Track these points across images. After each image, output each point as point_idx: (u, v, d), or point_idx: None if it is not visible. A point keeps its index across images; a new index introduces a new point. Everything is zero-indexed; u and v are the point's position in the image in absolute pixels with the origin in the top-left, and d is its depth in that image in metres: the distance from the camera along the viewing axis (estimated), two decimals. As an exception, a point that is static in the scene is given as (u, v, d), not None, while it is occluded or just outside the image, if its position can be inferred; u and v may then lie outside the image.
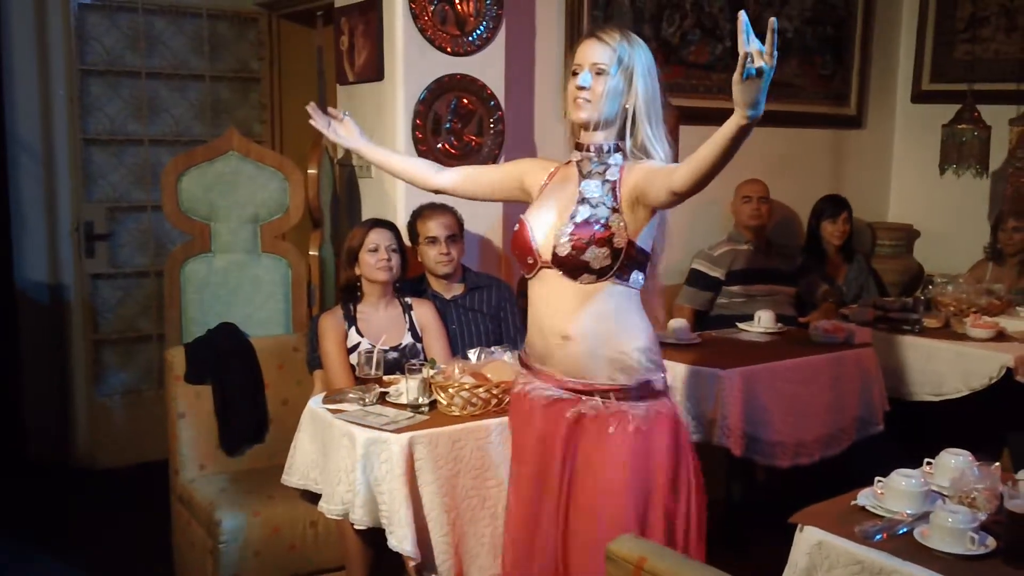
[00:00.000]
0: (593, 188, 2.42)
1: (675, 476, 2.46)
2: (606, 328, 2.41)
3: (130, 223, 5.15)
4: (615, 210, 2.38)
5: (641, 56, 2.41)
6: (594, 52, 2.41)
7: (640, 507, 2.40)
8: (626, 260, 2.38)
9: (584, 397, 2.41)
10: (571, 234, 2.37)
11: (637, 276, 2.43)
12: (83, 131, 4.96)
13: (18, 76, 4.79)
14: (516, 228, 2.51)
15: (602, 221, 2.37)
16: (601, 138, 2.44)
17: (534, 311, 2.51)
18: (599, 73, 2.38)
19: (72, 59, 4.87)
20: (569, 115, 2.47)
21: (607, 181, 2.42)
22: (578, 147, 2.49)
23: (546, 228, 2.44)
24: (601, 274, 2.38)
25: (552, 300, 2.44)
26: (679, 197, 2.25)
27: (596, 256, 2.36)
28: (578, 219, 2.39)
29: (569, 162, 2.53)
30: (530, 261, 2.47)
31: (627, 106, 2.41)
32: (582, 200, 2.41)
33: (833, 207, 4.99)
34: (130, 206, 5.14)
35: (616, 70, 2.38)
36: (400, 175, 2.91)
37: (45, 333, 4.95)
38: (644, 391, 2.43)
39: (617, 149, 2.44)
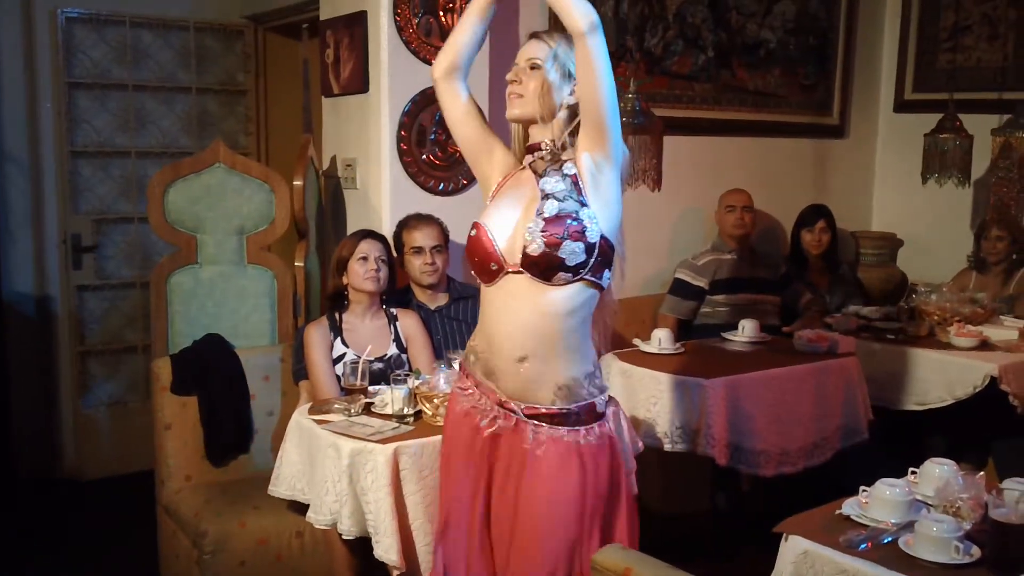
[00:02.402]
0: (554, 183, 2.30)
1: (612, 498, 2.40)
2: (557, 352, 2.32)
3: (117, 235, 5.15)
4: (583, 204, 2.27)
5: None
6: (530, 49, 2.40)
7: (573, 531, 2.31)
8: (600, 256, 2.28)
9: (526, 420, 2.33)
10: (543, 231, 2.24)
11: (607, 274, 2.33)
12: (70, 143, 4.97)
13: (5, 89, 4.80)
14: (472, 233, 2.36)
15: (574, 215, 2.26)
16: (549, 135, 2.37)
17: (487, 323, 2.39)
18: (533, 67, 2.36)
19: (59, 72, 4.87)
20: (507, 115, 2.42)
21: (566, 176, 2.31)
22: (528, 150, 2.42)
23: (509, 229, 2.32)
24: (575, 272, 2.26)
25: (509, 315, 2.32)
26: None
27: (573, 252, 2.24)
28: (547, 214, 2.26)
29: (523, 167, 2.43)
30: (493, 268, 2.32)
31: (567, 102, 2.36)
32: (546, 196, 2.29)
33: (811, 216, 5.02)
34: (117, 218, 5.14)
35: (551, 65, 2.34)
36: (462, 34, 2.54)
37: (31, 345, 4.94)
38: (586, 414, 2.35)
39: (571, 145, 2.36)
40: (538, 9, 4.45)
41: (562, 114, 2.37)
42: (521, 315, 2.30)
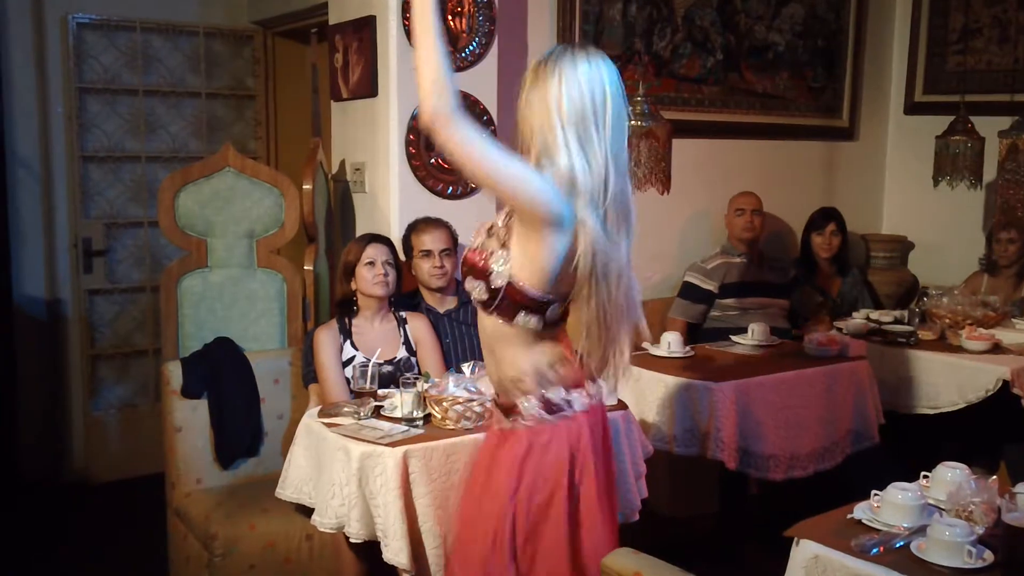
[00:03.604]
0: (503, 218, 2.25)
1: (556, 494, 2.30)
2: (498, 354, 2.32)
3: (127, 239, 5.17)
4: (504, 245, 2.20)
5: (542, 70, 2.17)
6: None
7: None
8: (506, 300, 2.19)
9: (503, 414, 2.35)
10: (463, 259, 2.30)
11: (527, 318, 2.20)
12: (81, 148, 4.99)
13: (17, 94, 4.82)
14: None
15: (485, 253, 2.22)
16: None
17: None
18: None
19: (70, 77, 4.90)
20: None
21: (509, 213, 2.23)
22: None
23: None
24: (484, 307, 2.24)
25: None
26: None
27: (474, 288, 2.22)
28: (475, 245, 2.27)
29: None
30: None
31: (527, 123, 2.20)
32: (490, 228, 2.27)
33: (821, 219, 5.01)
34: (127, 222, 5.16)
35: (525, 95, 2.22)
36: (428, 58, 2.03)
37: (42, 348, 4.96)
38: (545, 407, 2.28)
39: None
40: (547, 10, 4.46)
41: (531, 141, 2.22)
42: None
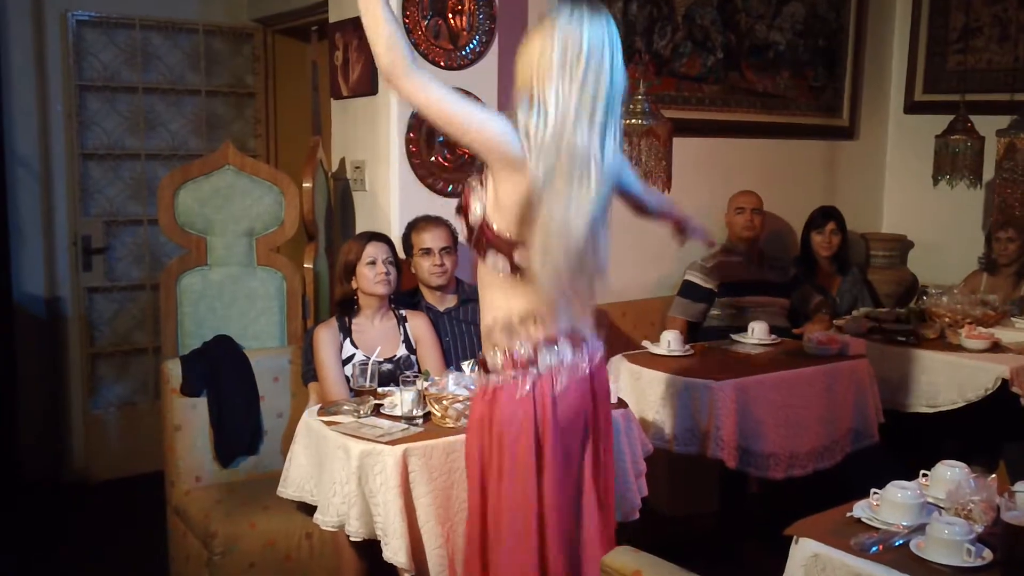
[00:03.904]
0: None
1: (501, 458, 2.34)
2: (481, 301, 2.39)
3: (126, 237, 5.17)
4: (482, 182, 2.27)
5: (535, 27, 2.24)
6: None
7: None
8: (480, 238, 2.26)
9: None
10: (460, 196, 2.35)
11: (495, 259, 2.26)
12: (80, 146, 4.98)
13: (16, 91, 4.82)
14: None
15: (468, 191, 2.30)
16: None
17: None
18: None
19: (70, 75, 4.89)
20: None
21: None
22: None
23: None
24: (467, 243, 2.33)
25: None
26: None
27: (459, 225, 2.32)
28: (469, 183, 2.32)
29: None
30: None
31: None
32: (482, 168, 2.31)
33: (820, 218, 5.02)
34: (127, 220, 5.16)
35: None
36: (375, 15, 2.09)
37: (41, 346, 4.96)
38: (508, 362, 2.31)
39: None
40: (547, 8, 4.45)
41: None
42: None
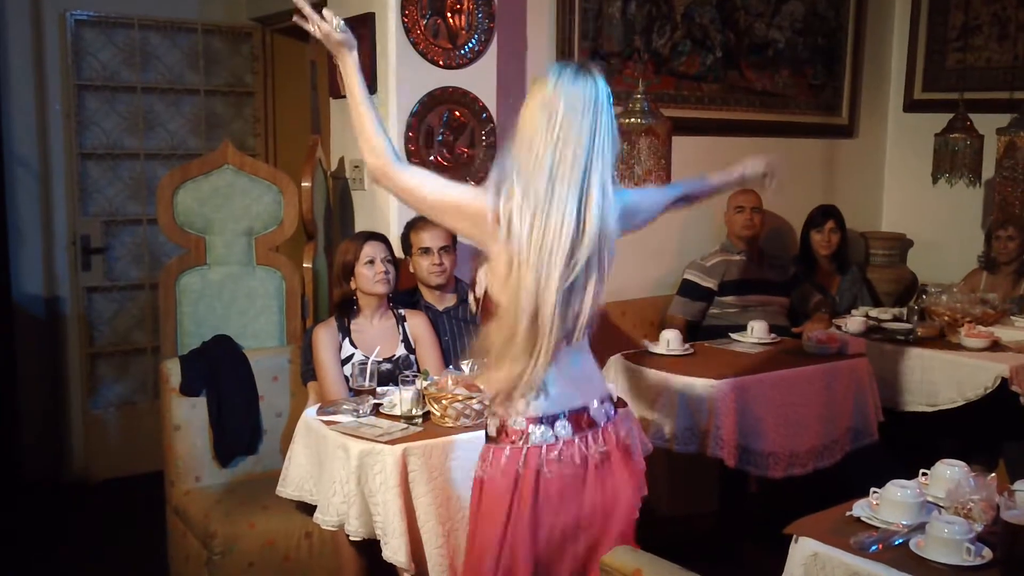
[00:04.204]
0: None
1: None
2: None
3: (126, 236, 5.17)
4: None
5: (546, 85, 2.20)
6: None
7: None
8: (485, 308, 2.26)
9: None
10: None
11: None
12: (79, 146, 4.98)
13: (15, 91, 4.82)
14: None
15: (478, 262, 2.35)
16: None
17: None
18: None
19: (68, 74, 4.89)
20: None
21: None
22: None
23: None
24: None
25: None
26: None
27: (471, 300, 2.38)
28: (480, 259, 2.34)
29: None
30: None
31: None
32: None
33: (820, 216, 5.02)
34: (126, 220, 5.16)
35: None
36: (362, 126, 2.28)
37: (41, 346, 4.96)
38: (496, 429, 2.28)
39: None
40: (546, 7, 4.45)
41: None
42: None
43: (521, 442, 2.21)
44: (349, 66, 2.31)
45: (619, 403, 2.45)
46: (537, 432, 2.21)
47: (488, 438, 2.30)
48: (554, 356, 2.16)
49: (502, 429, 2.24)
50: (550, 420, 2.22)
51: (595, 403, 2.28)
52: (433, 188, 2.23)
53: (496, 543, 2.23)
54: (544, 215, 2.11)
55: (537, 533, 2.23)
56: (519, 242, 2.11)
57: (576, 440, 2.23)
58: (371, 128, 2.25)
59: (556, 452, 2.21)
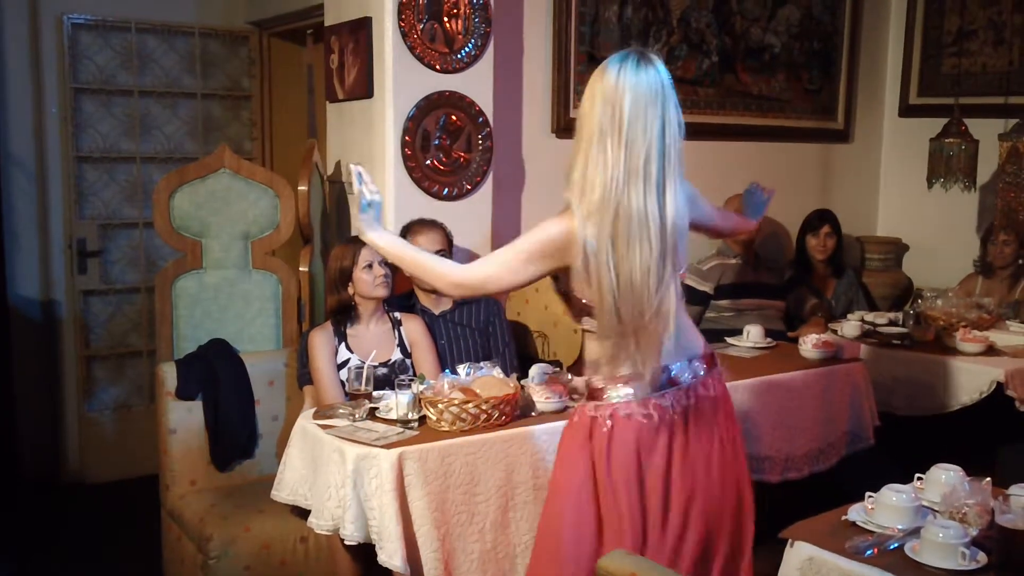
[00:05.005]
0: None
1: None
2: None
3: (122, 240, 5.16)
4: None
5: (596, 82, 2.21)
6: None
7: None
8: (573, 304, 2.37)
9: None
10: None
11: (588, 321, 2.37)
12: (76, 149, 4.98)
13: (12, 94, 4.82)
14: None
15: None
16: None
17: None
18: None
19: (65, 78, 4.89)
20: None
21: None
22: None
23: None
24: None
25: None
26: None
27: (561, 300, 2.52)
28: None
29: None
30: None
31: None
32: None
33: (816, 221, 5.02)
34: (122, 223, 5.15)
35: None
36: (423, 272, 2.48)
37: (37, 349, 4.95)
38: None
39: None
40: (543, 11, 4.46)
41: None
42: None
43: (601, 402, 2.33)
44: (380, 247, 2.47)
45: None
46: (613, 392, 2.32)
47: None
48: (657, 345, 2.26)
49: (590, 391, 2.38)
50: (625, 380, 2.31)
51: (678, 364, 2.35)
52: (511, 256, 2.32)
53: (575, 493, 2.34)
54: (628, 211, 2.15)
55: (623, 482, 2.31)
56: (599, 236, 2.17)
57: (654, 398, 2.30)
58: (429, 268, 2.42)
59: (630, 410, 2.30)
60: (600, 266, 2.18)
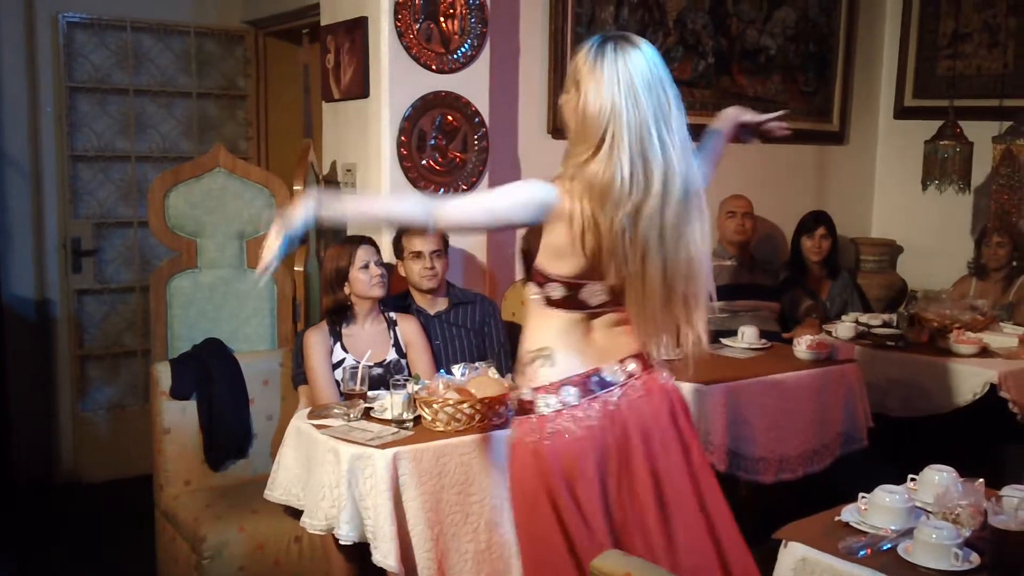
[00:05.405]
0: None
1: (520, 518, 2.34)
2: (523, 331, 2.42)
3: (116, 239, 5.15)
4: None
5: (601, 67, 2.17)
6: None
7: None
8: (535, 273, 2.33)
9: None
10: None
11: (533, 288, 2.33)
12: (71, 148, 4.97)
13: (7, 93, 4.81)
14: None
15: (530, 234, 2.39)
16: None
17: None
18: (565, 91, 2.28)
19: (60, 76, 4.88)
20: None
21: None
22: None
23: None
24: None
25: None
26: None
27: (519, 263, 2.44)
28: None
29: None
30: None
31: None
32: None
33: (811, 222, 5.03)
34: (117, 222, 5.14)
35: (570, 87, 2.24)
36: (387, 216, 2.47)
37: (31, 348, 4.94)
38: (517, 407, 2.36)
39: None
40: (539, 12, 4.46)
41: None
42: None
43: (532, 414, 2.27)
44: (327, 209, 2.24)
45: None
46: (543, 402, 2.27)
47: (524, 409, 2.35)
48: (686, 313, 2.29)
49: (519, 404, 2.33)
50: (555, 388, 2.27)
51: (610, 365, 2.31)
52: (483, 201, 2.34)
53: (543, 537, 2.25)
54: (664, 176, 2.17)
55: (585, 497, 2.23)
56: (637, 207, 2.14)
57: (584, 401, 2.26)
58: (389, 208, 2.37)
59: (562, 419, 2.25)
60: (640, 234, 2.16)
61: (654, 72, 2.19)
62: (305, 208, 2.18)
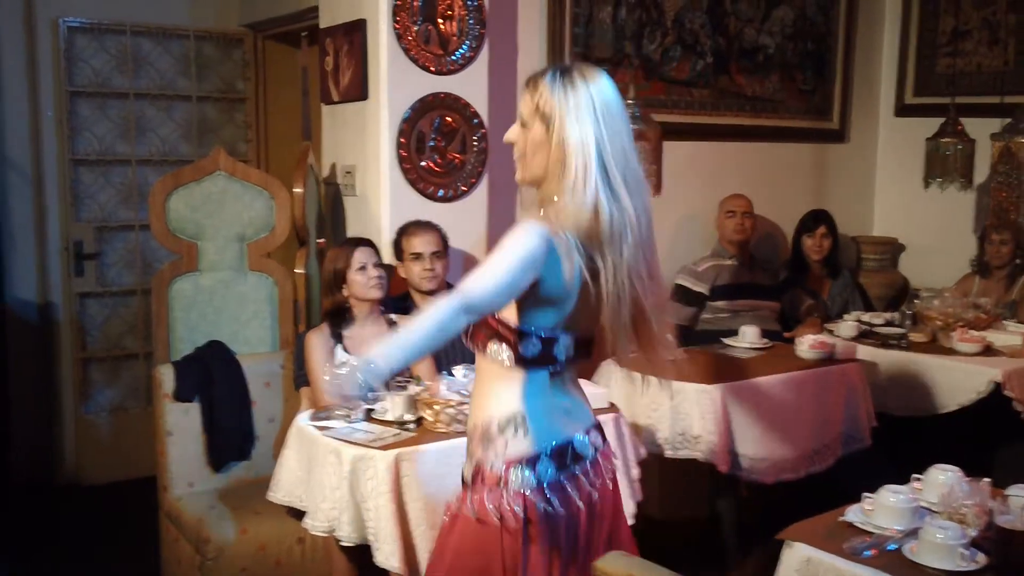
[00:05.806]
0: None
1: None
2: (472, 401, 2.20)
3: (118, 242, 5.16)
4: None
5: (573, 96, 2.02)
6: (520, 102, 2.14)
7: None
8: (480, 328, 2.07)
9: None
10: None
11: (497, 348, 2.06)
12: (72, 152, 4.98)
13: (8, 97, 4.82)
14: None
15: None
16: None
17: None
18: (523, 125, 2.12)
19: (61, 81, 4.89)
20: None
21: None
22: None
23: None
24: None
25: None
26: None
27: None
28: None
29: None
30: None
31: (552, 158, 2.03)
32: None
33: (811, 221, 5.02)
34: (118, 225, 5.15)
35: (534, 120, 2.07)
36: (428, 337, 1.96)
37: (33, 351, 4.95)
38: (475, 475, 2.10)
39: None
40: (537, 13, 4.46)
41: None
42: None
43: (500, 487, 2.03)
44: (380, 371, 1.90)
45: (611, 408, 2.43)
46: (517, 476, 2.03)
47: (463, 482, 2.13)
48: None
49: (478, 473, 2.07)
50: (531, 461, 2.04)
51: (579, 434, 2.12)
52: (491, 279, 1.95)
53: None
54: (622, 209, 2.01)
55: None
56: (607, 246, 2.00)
57: (562, 478, 2.06)
58: (426, 329, 1.91)
59: (542, 497, 2.04)
60: (601, 276, 2.01)
61: (619, 97, 2.05)
62: (362, 378, 1.86)
